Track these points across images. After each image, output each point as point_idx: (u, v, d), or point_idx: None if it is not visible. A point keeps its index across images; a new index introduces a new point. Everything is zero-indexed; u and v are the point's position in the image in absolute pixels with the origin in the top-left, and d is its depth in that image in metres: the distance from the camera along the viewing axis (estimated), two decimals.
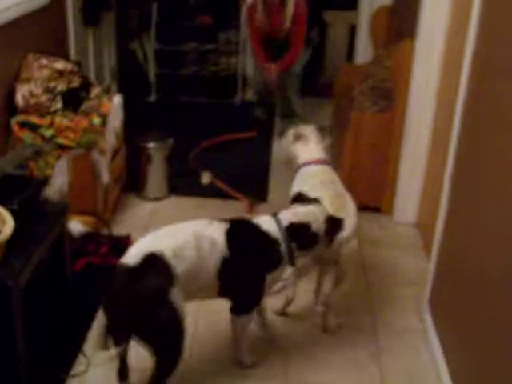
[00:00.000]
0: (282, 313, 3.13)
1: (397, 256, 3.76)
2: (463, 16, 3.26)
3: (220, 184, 4.50)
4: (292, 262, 2.63)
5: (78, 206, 3.54)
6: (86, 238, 3.57)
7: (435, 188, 3.64)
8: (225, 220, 2.62)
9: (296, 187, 3.08)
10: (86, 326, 2.98)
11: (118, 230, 3.84)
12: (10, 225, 2.41)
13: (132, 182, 4.36)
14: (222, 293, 2.56)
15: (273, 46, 5.32)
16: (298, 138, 3.26)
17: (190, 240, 2.42)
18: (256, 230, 2.60)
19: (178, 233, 2.48)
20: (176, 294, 2.29)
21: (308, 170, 3.16)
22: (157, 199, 4.32)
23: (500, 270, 2.23)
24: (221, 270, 2.46)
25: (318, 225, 2.62)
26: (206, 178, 4.55)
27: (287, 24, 5.15)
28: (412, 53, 3.84)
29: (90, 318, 3.03)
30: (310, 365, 2.84)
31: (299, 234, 2.59)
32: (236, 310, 2.64)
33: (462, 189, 2.80)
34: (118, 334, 2.35)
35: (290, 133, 3.31)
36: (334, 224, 2.66)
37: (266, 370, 2.79)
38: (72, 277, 3.13)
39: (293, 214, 2.64)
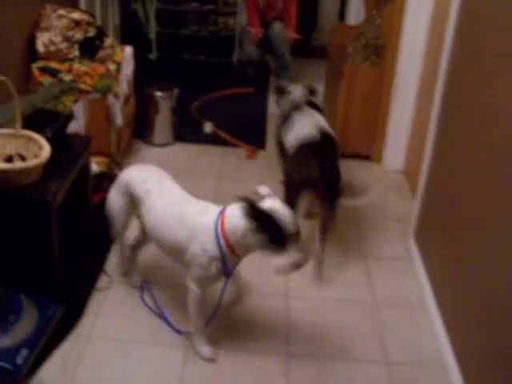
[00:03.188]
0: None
1: (386, 197, 4.12)
2: None
3: (221, 133, 4.82)
4: None
5: (92, 147, 3.82)
6: (101, 176, 3.88)
7: (421, 137, 3.97)
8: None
9: None
10: (106, 250, 3.33)
11: None
12: (46, 149, 2.72)
13: (140, 130, 4.67)
14: None
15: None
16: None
17: None
18: None
19: None
20: None
21: None
22: (163, 145, 4.64)
23: (475, 206, 2.61)
24: None
25: None
26: (208, 127, 4.87)
27: (281, 3, 5.91)
28: (402, 10, 4.14)
29: (109, 243, 3.38)
30: (308, 282, 3.20)
31: None
32: None
33: (446, 134, 3.14)
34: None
35: None
36: None
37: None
38: (92, 206, 3.45)
39: None
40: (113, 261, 3.27)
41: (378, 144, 4.53)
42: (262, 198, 2.44)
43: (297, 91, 3.60)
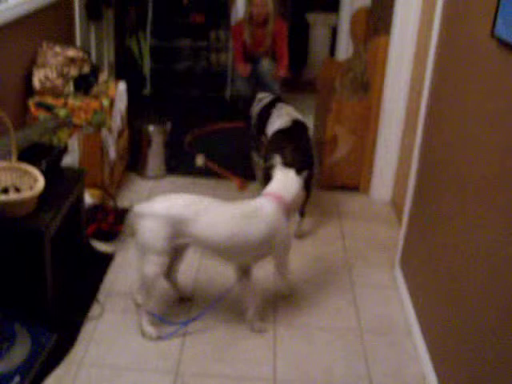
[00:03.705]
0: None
1: (373, 228, 4.22)
2: (431, 13, 3.72)
3: (213, 165, 4.94)
4: None
5: (86, 180, 3.93)
6: (95, 208, 3.98)
7: (408, 169, 4.09)
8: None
9: None
10: (99, 279, 3.41)
11: (122, 203, 4.25)
12: (40, 182, 2.83)
13: (133, 163, 4.78)
14: None
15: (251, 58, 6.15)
16: None
17: None
18: None
19: None
20: None
21: None
22: (155, 178, 4.75)
23: (456, 235, 2.70)
24: None
25: None
26: (200, 160, 4.99)
27: (269, 41, 5.97)
28: (387, 46, 4.30)
29: (102, 273, 3.46)
30: (296, 310, 3.28)
31: None
32: None
33: (428, 166, 3.25)
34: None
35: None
36: None
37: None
38: (86, 236, 3.54)
39: None
40: (105, 289, 3.35)
41: (365, 176, 4.65)
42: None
43: (264, 95, 4.69)
